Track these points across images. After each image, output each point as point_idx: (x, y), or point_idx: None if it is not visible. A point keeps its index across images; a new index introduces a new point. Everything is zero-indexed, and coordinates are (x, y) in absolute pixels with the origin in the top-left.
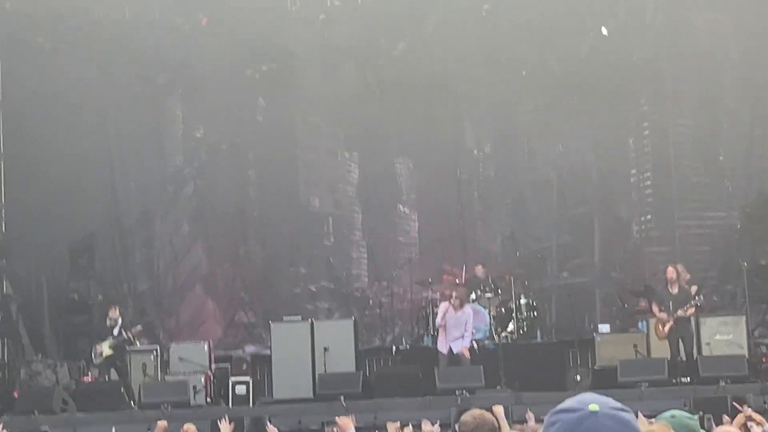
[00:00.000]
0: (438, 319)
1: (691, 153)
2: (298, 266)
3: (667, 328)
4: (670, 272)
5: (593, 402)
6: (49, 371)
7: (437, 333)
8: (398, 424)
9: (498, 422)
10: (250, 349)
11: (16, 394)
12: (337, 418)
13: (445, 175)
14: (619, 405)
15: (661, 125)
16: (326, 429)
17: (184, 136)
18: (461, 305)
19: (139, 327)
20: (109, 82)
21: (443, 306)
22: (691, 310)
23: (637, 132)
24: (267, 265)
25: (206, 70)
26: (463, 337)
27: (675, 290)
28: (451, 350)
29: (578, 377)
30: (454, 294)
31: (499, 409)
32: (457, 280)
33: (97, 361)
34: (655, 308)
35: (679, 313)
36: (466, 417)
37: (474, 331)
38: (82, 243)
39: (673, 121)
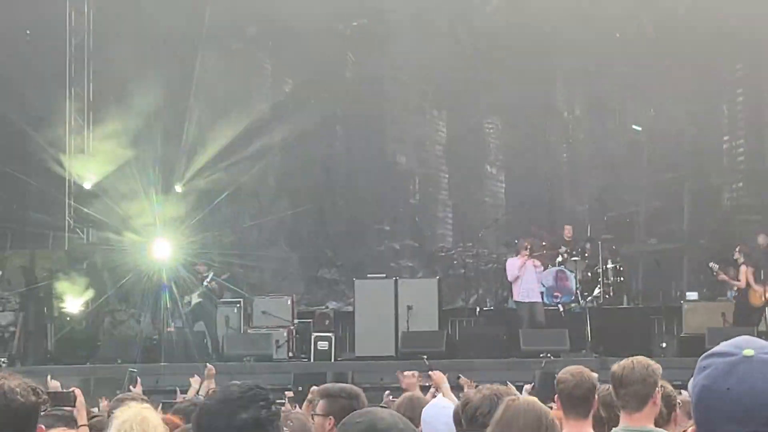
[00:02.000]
0: (517, 272)
1: None
2: (382, 224)
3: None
4: (762, 239)
5: (748, 346)
6: (133, 321)
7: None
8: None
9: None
10: (332, 305)
11: None
12: (430, 372)
13: (534, 136)
14: None
15: (756, 92)
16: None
17: (272, 89)
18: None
19: (226, 275)
20: (200, 31)
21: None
22: None
23: (731, 98)
24: (352, 222)
25: (297, 23)
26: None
27: None
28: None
29: (664, 344)
30: (528, 245)
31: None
32: (543, 242)
33: (184, 310)
34: (750, 277)
35: None
36: (564, 374)
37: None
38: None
39: None
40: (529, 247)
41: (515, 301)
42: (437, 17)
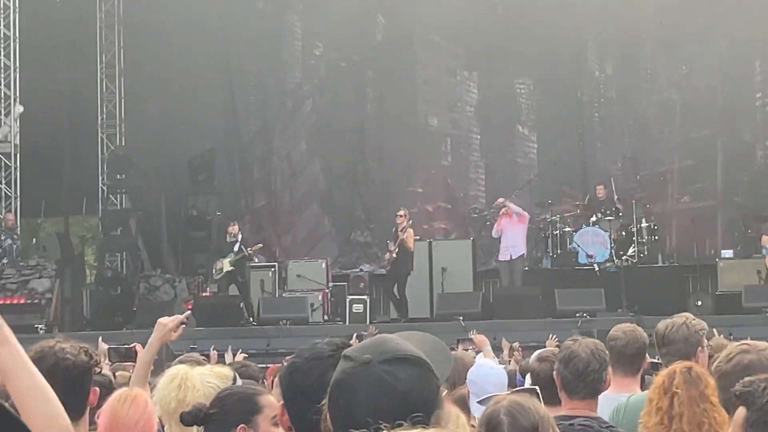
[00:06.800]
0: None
1: None
2: (415, 185)
3: None
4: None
5: None
6: (168, 286)
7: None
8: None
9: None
10: (365, 267)
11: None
12: (471, 334)
13: (566, 95)
14: None
15: None
16: (459, 346)
17: (303, 52)
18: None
19: (259, 245)
20: None
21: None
22: None
23: (763, 54)
24: (384, 184)
25: None
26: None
27: None
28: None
29: (699, 302)
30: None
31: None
32: (577, 203)
33: (217, 276)
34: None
35: None
36: (616, 332)
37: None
38: (201, 158)
39: None
40: (504, 204)
41: (498, 261)
42: None
